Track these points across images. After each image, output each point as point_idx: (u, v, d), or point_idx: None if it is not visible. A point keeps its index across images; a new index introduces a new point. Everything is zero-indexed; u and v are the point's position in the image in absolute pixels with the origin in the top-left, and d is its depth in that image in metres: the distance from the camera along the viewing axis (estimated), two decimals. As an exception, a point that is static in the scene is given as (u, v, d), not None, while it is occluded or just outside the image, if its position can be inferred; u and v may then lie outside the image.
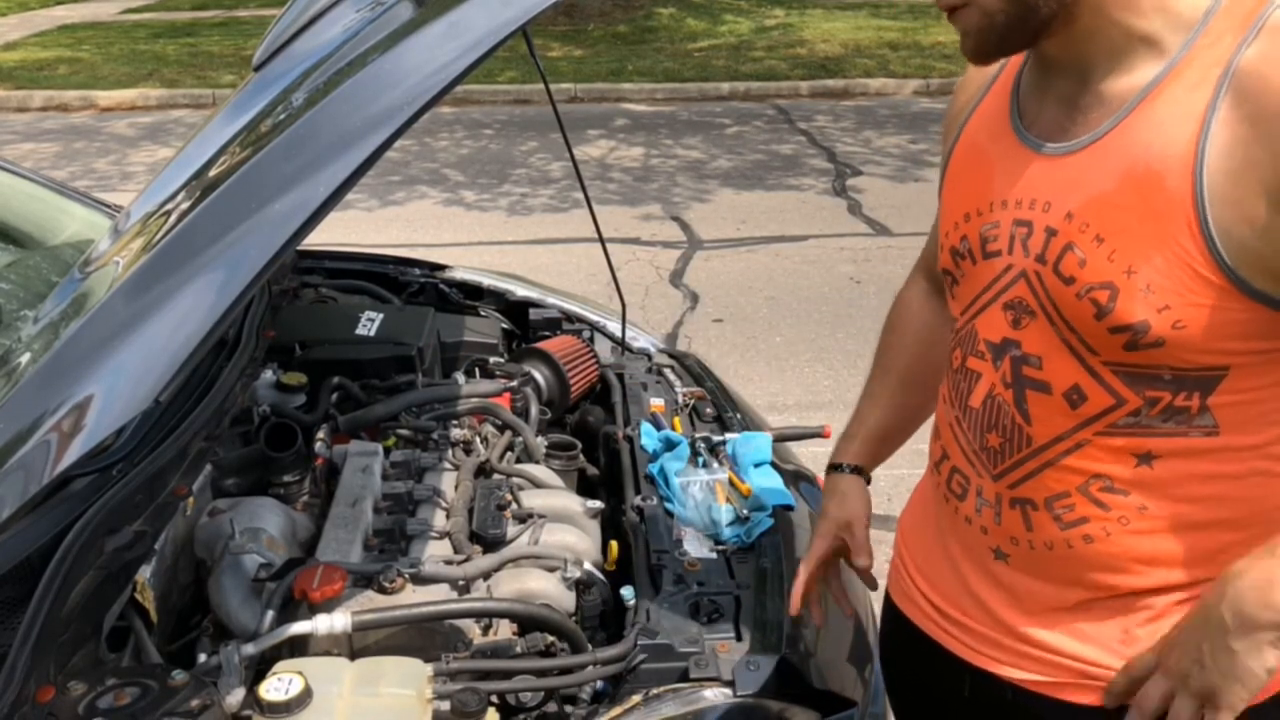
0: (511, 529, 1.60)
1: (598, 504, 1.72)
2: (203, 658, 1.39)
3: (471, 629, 1.43)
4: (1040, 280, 1.06)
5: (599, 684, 1.36)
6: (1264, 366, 1.01)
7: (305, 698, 1.16)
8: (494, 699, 1.30)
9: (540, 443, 1.93)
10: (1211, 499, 1.05)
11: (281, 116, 1.27)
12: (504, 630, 1.47)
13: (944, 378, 1.23)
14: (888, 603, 1.38)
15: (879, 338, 1.46)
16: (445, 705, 1.24)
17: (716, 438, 1.82)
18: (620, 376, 2.11)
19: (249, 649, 1.30)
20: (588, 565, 1.55)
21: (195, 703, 1.16)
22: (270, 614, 1.37)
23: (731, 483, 1.71)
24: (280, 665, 1.24)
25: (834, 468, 1.41)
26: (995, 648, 1.19)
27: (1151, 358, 1.01)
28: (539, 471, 1.82)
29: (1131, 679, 1.07)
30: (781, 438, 1.94)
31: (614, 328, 2.32)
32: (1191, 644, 1.01)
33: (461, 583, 1.47)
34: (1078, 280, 1.02)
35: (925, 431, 1.36)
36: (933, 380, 1.31)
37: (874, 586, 1.38)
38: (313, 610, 1.35)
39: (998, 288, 1.11)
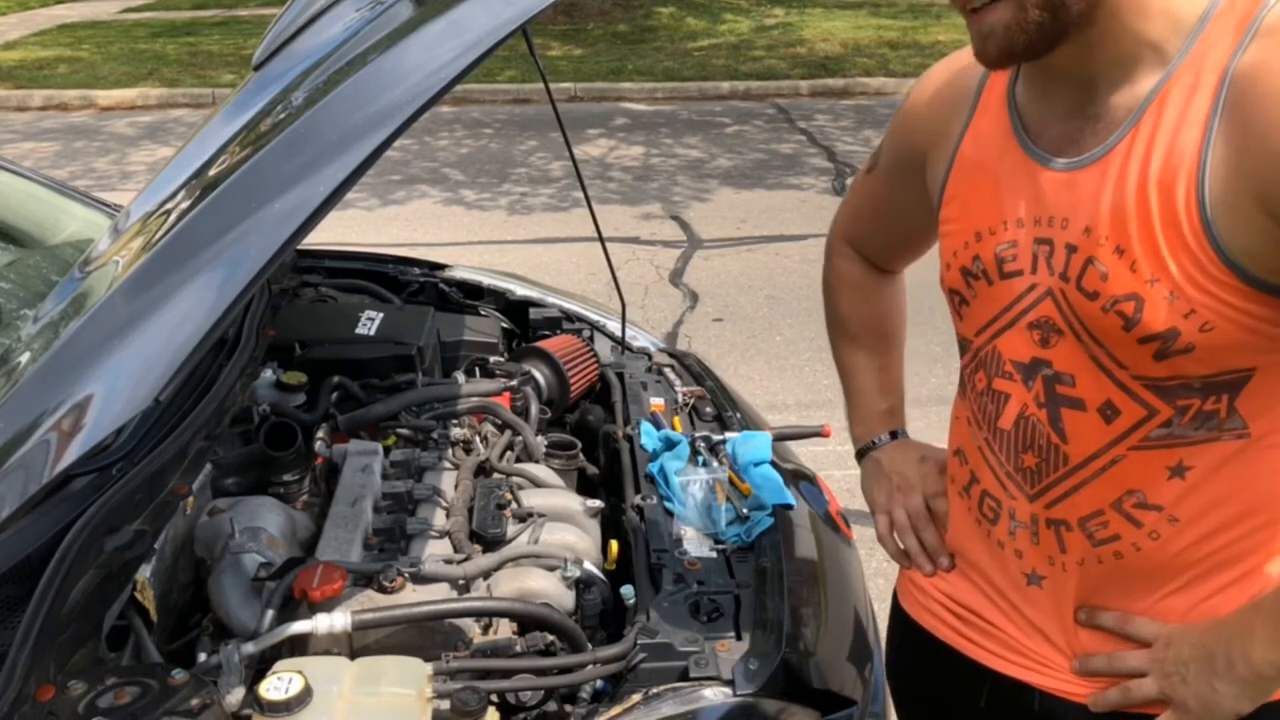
0: (511, 528, 1.60)
1: (598, 503, 1.72)
2: (203, 657, 1.39)
3: (471, 628, 1.43)
4: (1065, 298, 1.05)
5: (599, 683, 1.36)
6: None
7: (305, 697, 1.16)
8: (494, 698, 1.30)
9: (540, 442, 1.93)
10: (1240, 500, 1.06)
11: (281, 116, 1.26)
12: (504, 629, 1.47)
13: (964, 401, 1.22)
14: (897, 611, 1.37)
15: (829, 314, 1.50)
16: (445, 704, 1.24)
17: (716, 437, 1.82)
18: (620, 376, 2.11)
19: (249, 648, 1.30)
20: (588, 564, 1.55)
21: (195, 702, 1.15)
22: (270, 613, 1.37)
23: (731, 482, 1.71)
24: (280, 664, 1.24)
25: (870, 446, 1.43)
26: (1022, 654, 1.19)
27: (1181, 367, 1.01)
28: (539, 471, 1.82)
29: (1110, 661, 1.12)
30: (781, 437, 1.94)
31: (614, 327, 2.32)
32: (1181, 659, 1.06)
33: (461, 582, 1.47)
34: (1102, 294, 1.02)
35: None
36: (893, 325, 1.45)
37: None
38: (313, 609, 1.35)
39: (1020, 307, 1.10)
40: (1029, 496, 1.13)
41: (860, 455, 1.44)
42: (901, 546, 1.34)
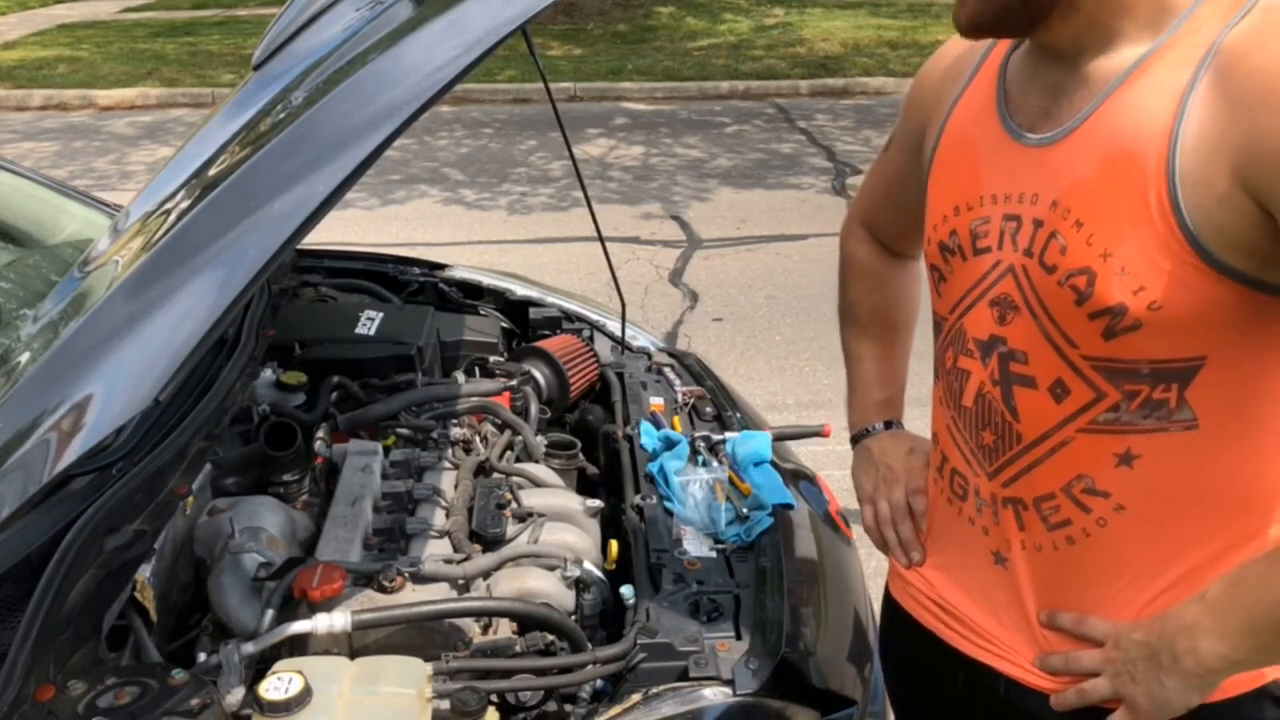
0: (511, 528, 1.60)
1: (597, 503, 1.72)
2: (202, 657, 1.39)
3: (471, 628, 1.43)
4: (1026, 273, 1.06)
5: (599, 683, 1.36)
6: (1240, 356, 1.01)
7: (305, 697, 1.16)
8: (493, 698, 1.30)
9: (540, 442, 1.93)
10: (1188, 491, 1.06)
11: (281, 115, 1.26)
12: (503, 629, 1.47)
13: (937, 380, 1.24)
14: (887, 597, 1.39)
15: (840, 298, 1.50)
16: (445, 704, 1.24)
17: (716, 436, 1.82)
18: (620, 375, 2.11)
19: (249, 648, 1.30)
20: (587, 564, 1.55)
21: (195, 701, 1.15)
22: (270, 613, 1.37)
23: (731, 481, 1.71)
24: (280, 664, 1.24)
25: (864, 434, 1.44)
26: (991, 641, 1.20)
27: (1130, 347, 1.01)
28: (539, 470, 1.81)
29: (1066, 660, 1.13)
30: (781, 436, 1.94)
31: (614, 327, 2.32)
32: (1129, 658, 1.06)
33: (461, 582, 1.47)
34: (1059, 268, 1.02)
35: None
36: (903, 315, 1.45)
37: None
38: (312, 609, 1.35)
39: (985, 284, 1.11)
40: (988, 474, 1.15)
41: (854, 441, 1.46)
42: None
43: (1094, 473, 1.07)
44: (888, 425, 1.43)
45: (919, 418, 1.35)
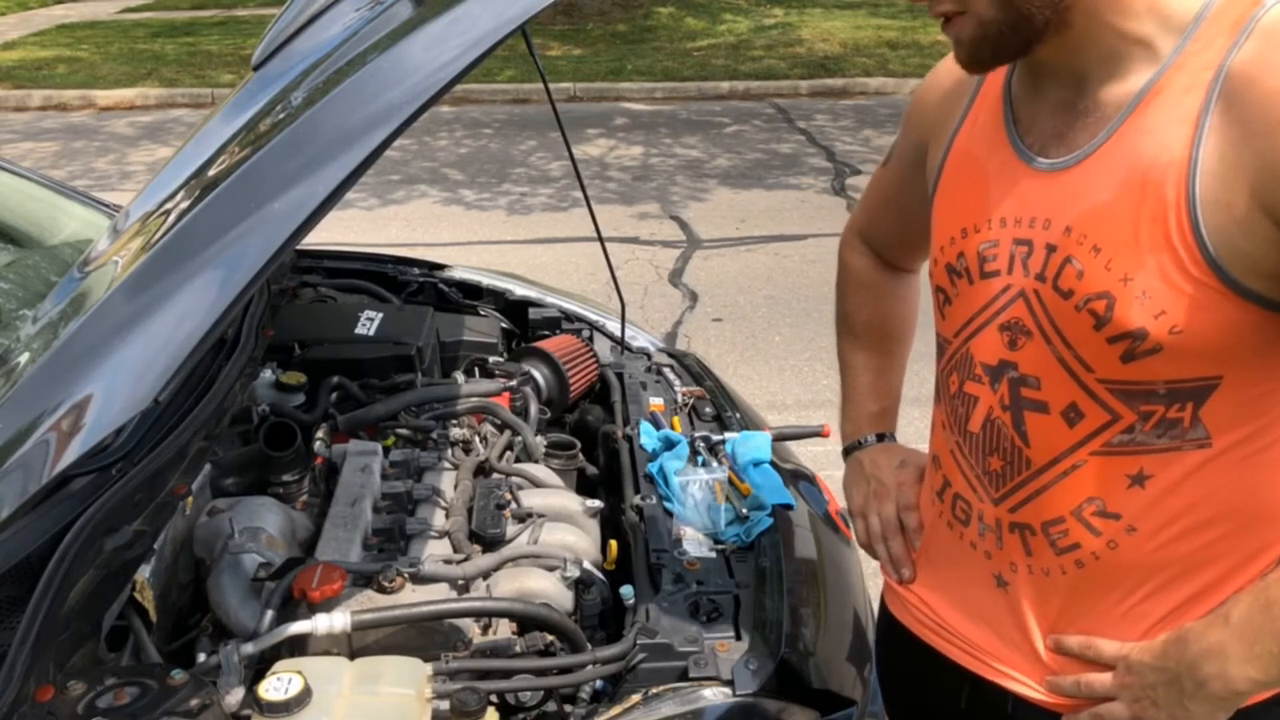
0: (511, 528, 1.60)
1: (597, 503, 1.72)
2: (202, 657, 1.39)
3: (471, 628, 1.43)
4: (1039, 298, 1.05)
5: (598, 683, 1.36)
6: (1255, 375, 1.01)
7: (305, 697, 1.16)
8: (493, 698, 1.30)
9: (539, 442, 1.93)
10: (1199, 510, 1.05)
11: (281, 115, 1.26)
12: (503, 629, 1.47)
13: (939, 404, 1.23)
14: (883, 611, 1.38)
15: (836, 308, 1.50)
16: (445, 704, 1.24)
17: (716, 437, 1.82)
18: (620, 376, 2.11)
19: (248, 648, 1.30)
20: (587, 564, 1.55)
21: (194, 702, 1.16)
22: (269, 613, 1.37)
23: (731, 482, 1.71)
24: (280, 664, 1.24)
25: (856, 446, 1.43)
26: (995, 659, 1.19)
27: (1148, 370, 1.01)
28: (538, 471, 1.81)
29: (1078, 685, 1.12)
30: (781, 437, 1.94)
31: (613, 327, 2.32)
32: (1147, 683, 1.05)
33: (461, 582, 1.47)
34: (1076, 293, 1.02)
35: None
36: (899, 328, 1.44)
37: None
38: (312, 609, 1.35)
39: (994, 308, 1.10)
40: (994, 500, 1.14)
41: (846, 453, 1.46)
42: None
43: (1106, 495, 1.07)
44: (880, 438, 1.43)
45: (920, 419, 1.35)
